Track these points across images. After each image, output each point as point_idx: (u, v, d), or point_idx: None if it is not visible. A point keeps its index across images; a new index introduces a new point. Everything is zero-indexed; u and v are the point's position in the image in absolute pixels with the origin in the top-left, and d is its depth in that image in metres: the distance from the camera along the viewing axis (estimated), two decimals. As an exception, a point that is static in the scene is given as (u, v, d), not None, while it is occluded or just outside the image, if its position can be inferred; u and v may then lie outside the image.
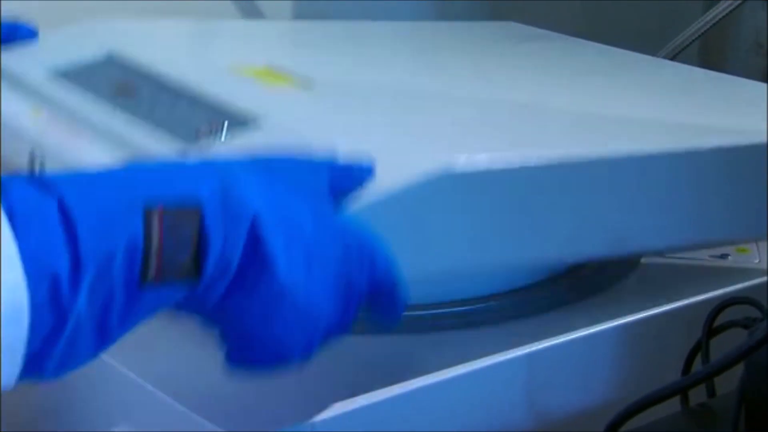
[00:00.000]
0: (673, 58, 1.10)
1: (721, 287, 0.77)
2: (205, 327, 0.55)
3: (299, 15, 1.27)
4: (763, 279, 0.79)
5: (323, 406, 0.63)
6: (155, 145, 0.67)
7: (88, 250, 0.46)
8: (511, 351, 0.69)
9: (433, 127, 0.71)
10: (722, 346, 0.65)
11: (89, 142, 0.71)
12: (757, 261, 0.83)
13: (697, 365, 0.70)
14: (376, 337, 0.71)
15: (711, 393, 0.70)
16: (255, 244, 0.51)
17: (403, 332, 0.71)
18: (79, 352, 0.49)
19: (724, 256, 0.83)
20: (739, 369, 0.65)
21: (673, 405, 0.69)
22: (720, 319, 0.71)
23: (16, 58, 0.81)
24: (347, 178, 0.59)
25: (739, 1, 1.12)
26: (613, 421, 0.64)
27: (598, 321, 0.74)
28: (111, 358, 0.69)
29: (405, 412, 0.66)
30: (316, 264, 0.54)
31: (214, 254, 0.49)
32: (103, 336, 0.49)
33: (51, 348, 0.48)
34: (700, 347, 0.70)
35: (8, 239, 0.45)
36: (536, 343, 0.70)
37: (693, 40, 1.14)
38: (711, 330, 0.71)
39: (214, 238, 0.49)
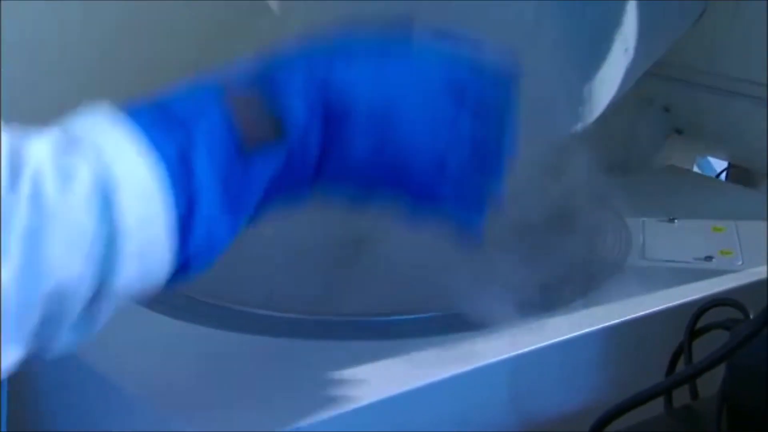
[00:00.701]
0: None
1: (705, 290, 0.78)
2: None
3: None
4: (746, 281, 0.79)
5: (310, 413, 0.63)
6: None
7: (194, 131, 0.53)
8: (496, 355, 0.70)
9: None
10: (707, 349, 0.66)
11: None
12: (740, 263, 0.83)
13: (681, 367, 0.71)
14: (359, 343, 0.72)
15: (694, 395, 0.70)
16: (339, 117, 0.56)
17: (388, 338, 0.72)
18: (216, 232, 0.54)
19: (708, 259, 0.84)
20: (721, 372, 0.65)
21: (658, 408, 0.69)
22: (703, 321, 0.72)
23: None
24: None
25: None
26: (597, 422, 0.65)
27: (582, 324, 0.74)
28: (92, 362, 0.69)
29: (390, 416, 0.66)
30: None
31: (291, 125, 0.55)
32: (232, 206, 0.54)
33: (191, 225, 0.53)
34: (683, 349, 0.71)
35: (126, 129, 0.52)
36: (521, 347, 0.71)
37: None
38: (694, 332, 0.71)
39: (287, 104, 0.55)
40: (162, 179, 0.52)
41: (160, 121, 0.54)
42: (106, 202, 0.50)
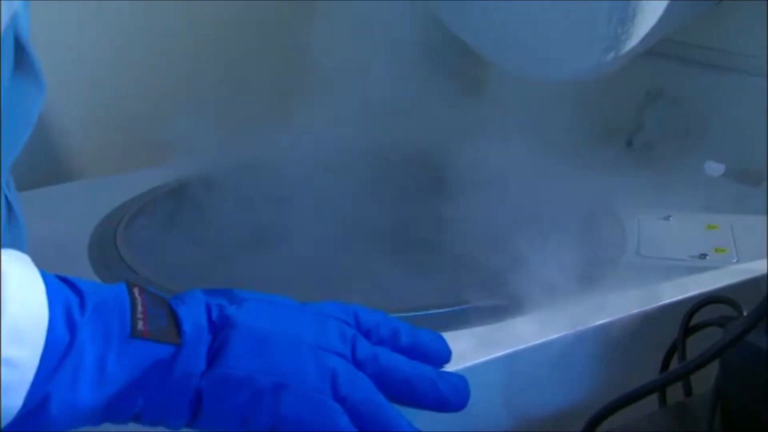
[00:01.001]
0: None
1: (699, 287, 0.78)
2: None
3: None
4: (740, 278, 0.79)
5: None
6: None
7: (88, 296, 0.56)
8: (489, 353, 0.70)
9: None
10: (702, 346, 0.66)
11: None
12: (734, 261, 0.83)
13: (675, 365, 0.71)
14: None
15: (688, 392, 0.70)
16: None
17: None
18: (80, 389, 0.55)
19: (702, 256, 0.84)
20: (716, 368, 0.65)
21: (654, 405, 0.69)
22: (698, 318, 0.72)
23: None
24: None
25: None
26: (591, 419, 0.65)
27: (577, 321, 0.74)
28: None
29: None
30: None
31: (186, 328, 0.58)
32: (102, 376, 0.55)
33: (58, 371, 0.54)
34: (677, 346, 0.71)
35: (35, 274, 0.55)
36: (515, 345, 0.71)
37: None
38: (688, 329, 0.71)
39: (183, 318, 0.58)
40: (44, 324, 0.54)
41: (58, 279, 0.56)
42: None
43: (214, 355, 0.58)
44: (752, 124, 0.97)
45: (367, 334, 0.63)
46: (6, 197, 0.66)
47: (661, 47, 1.01)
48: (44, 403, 0.54)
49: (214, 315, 0.60)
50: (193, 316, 0.59)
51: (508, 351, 0.70)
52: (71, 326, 0.55)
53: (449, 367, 0.67)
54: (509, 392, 0.71)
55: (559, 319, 0.74)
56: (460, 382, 0.64)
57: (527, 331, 0.72)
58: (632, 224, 0.90)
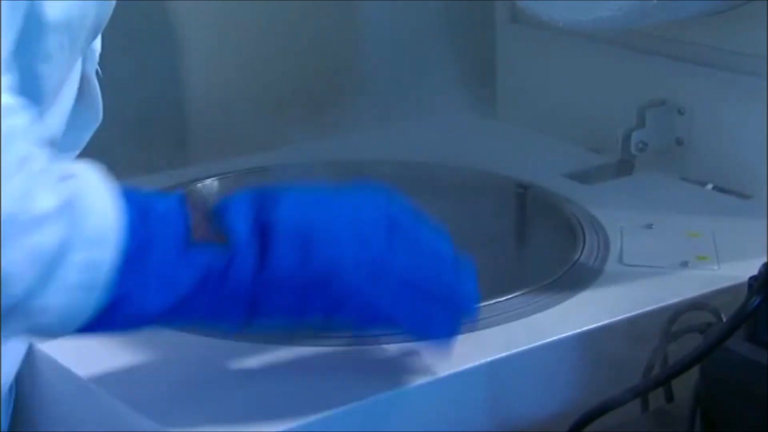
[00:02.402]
0: None
1: (681, 294, 0.79)
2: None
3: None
4: (720, 286, 0.80)
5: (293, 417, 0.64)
6: None
7: (152, 204, 0.60)
8: (475, 359, 0.71)
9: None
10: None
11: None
12: (715, 268, 0.84)
13: (657, 371, 0.71)
14: (344, 349, 0.73)
15: (669, 398, 0.71)
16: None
17: (364, 344, 0.72)
18: (149, 291, 0.58)
19: (684, 264, 0.84)
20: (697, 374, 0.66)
21: (637, 410, 0.70)
22: (679, 325, 0.73)
23: None
24: None
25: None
26: (573, 425, 0.66)
27: (561, 328, 0.75)
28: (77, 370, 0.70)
29: (368, 421, 0.67)
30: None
31: (237, 232, 0.61)
32: (167, 280, 0.59)
33: (131, 273, 0.57)
34: (659, 353, 0.72)
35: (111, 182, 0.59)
36: (500, 351, 0.72)
37: None
38: (669, 336, 0.72)
39: (231, 224, 0.61)
40: (121, 228, 0.57)
41: (128, 188, 0.60)
42: (72, 224, 0.55)
43: (262, 258, 0.61)
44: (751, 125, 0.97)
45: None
46: None
47: (663, 47, 1.01)
48: (117, 303, 0.57)
49: (258, 216, 0.62)
50: (239, 222, 0.62)
51: (494, 357, 0.71)
52: (144, 230, 0.58)
53: (428, 378, 0.68)
54: (494, 398, 0.71)
55: (545, 326, 0.75)
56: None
57: (510, 339, 0.73)
58: (615, 233, 0.90)
